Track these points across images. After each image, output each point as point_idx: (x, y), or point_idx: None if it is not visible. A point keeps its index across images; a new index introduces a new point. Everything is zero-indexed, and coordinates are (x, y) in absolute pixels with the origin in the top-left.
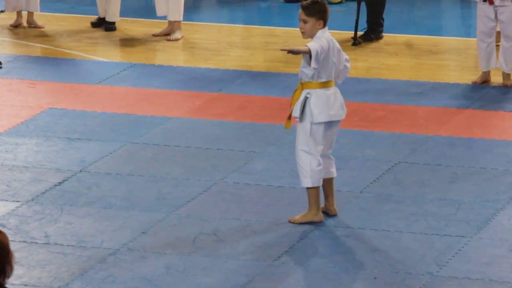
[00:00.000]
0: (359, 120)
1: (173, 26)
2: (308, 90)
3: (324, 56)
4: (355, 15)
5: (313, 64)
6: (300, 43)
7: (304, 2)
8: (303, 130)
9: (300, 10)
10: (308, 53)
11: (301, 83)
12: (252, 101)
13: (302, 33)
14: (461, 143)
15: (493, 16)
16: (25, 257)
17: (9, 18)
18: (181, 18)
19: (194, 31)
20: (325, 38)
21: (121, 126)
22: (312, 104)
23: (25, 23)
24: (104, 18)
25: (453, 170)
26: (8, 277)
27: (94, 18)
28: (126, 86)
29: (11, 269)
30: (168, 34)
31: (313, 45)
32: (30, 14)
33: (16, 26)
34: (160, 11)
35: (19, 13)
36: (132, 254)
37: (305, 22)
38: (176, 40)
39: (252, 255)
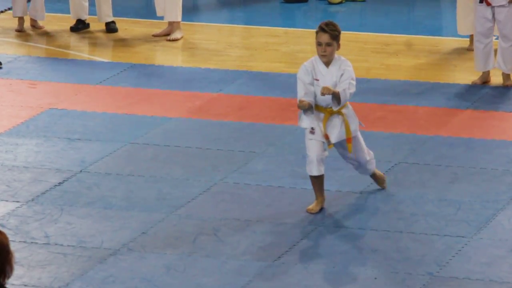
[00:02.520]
0: (359, 120)
1: (172, 26)
2: (345, 110)
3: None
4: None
5: (336, 107)
6: (300, 43)
7: (325, 25)
8: (361, 139)
9: (321, 33)
10: (337, 96)
11: (332, 109)
12: (252, 102)
13: (323, 56)
14: (461, 144)
15: (490, 17)
16: (25, 257)
17: (9, 19)
18: (179, 19)
19: (194, 32)
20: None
21: (121, 126)
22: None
23: (28, 25)
24: (79, 20)
25: (453, 171)
26: (8, 277)
27: (95, 17)
28: (126, 87)
29: (11, 269)
30: (168, 35)
31: (346, 94)
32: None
33: (21, 30)
34: (160, 11)
35: (21, 18)
36: (132, 254)
37: (329, 45)
38: (176, 40)
39: (252, 255)
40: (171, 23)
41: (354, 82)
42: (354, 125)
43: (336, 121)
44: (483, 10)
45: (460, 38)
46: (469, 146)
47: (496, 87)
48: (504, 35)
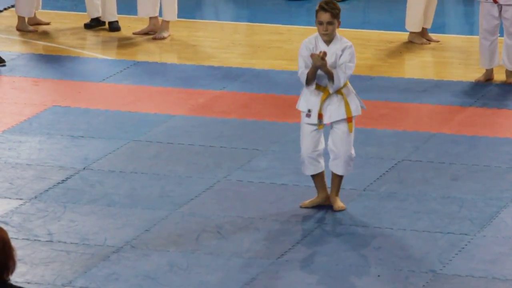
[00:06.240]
0: (362, 118)
1: (151, 23)
2: (344, 89)
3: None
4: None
5: (332, 90)
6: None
7: (325, 4)
8: (352, 134)
9: (322, 12)
10: (330, 77)
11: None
12: (256, 99)
13: (325, 34)
14: (465, 141)
15: (497, 14)
16: (28, 254)
17: (12, 16)
18: (175, 18)
19: (197, 29)
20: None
21: (124, 123)
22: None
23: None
24: (96, 19)
25: (456, 168)
26: (12, 272)
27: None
28: (129, 84)
29: (14, 264)
30: (148, 33)
31: (338, 76)
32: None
33: (35, 30)
34: (141, 12)
35: (29, 18)
36: (135, 252)
37: (330, 24)
38: (163, 39)
39: (255, 253)
40: (152, 20)
41: (351, 65)
42: (354, 105)
43: (334, 100)
44: (489, 8)
45: (464, 36)
46: (472, 143)
47: (500, 85)
48: (510, 32)
